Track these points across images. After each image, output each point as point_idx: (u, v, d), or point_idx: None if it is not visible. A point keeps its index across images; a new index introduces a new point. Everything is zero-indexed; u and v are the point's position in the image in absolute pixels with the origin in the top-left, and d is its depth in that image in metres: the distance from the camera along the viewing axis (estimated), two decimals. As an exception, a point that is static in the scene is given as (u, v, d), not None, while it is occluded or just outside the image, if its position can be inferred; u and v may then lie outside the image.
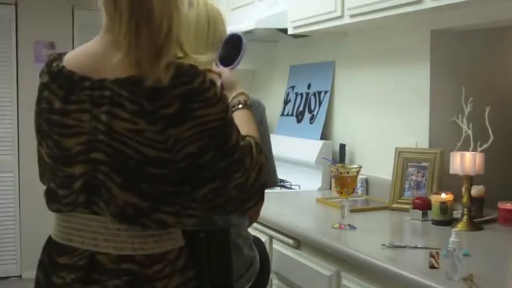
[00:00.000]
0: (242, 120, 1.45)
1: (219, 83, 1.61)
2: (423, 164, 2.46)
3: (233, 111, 1.49)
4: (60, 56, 1.29)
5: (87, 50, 1.28)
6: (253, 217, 1.92)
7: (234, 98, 1.57)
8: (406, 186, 2.50)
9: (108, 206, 1.18)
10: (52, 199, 1.27)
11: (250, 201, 1.31)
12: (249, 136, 1.35)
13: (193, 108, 1.15)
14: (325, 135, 3.18)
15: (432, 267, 1.57)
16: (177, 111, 1.14)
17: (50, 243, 1.30)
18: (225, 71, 1.67)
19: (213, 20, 1.76)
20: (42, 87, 1.27)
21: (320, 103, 3.25)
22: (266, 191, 1.92)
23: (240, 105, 1.55)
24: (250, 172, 1.27)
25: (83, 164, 1.19)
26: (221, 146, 1.21)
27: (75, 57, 1.27)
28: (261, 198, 1.36)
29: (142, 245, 1.20)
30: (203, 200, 1.25)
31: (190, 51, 1.31)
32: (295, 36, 3.21)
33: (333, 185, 2.36)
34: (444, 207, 2.15)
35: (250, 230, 1.92)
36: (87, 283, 1.19)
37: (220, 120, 1.20)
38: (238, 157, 1.24)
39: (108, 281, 1.18)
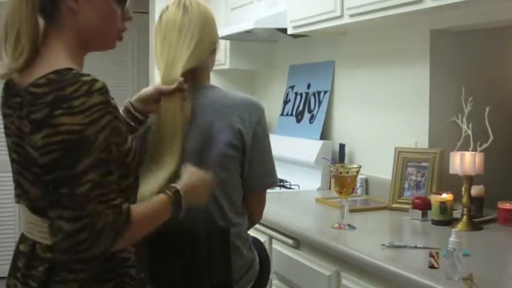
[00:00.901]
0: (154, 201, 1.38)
1: None
2: (423, 164, 2.46)
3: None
4: None
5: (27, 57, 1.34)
6: (255, 219, 1.92)
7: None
8: (406, 186, 2.50)
9: (25, 200, 1.31)
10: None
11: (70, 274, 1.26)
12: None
13: (56, 115, 1.14)
14: (324, 135, 3.18)
15: (432, 267, 1.57)
16: (43, 117, 1.15)
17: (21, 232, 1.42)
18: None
19: (208, 24, 1.77)
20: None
21: (320, 103, 3.25)
22: (267, 190, 1.93)
23: (168, 191, 1.41)
24: (81, 225, 1.16)
25: (13, 162, 1.33)
26: (63, 169, 1.16)
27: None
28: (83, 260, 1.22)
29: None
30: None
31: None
32: (294, 36, 3.21)
33: (333, 185, 2.36)
34: (444, 207, 2.15)
35: (249, 230, 1.92)
36: (29, 268, 1.30)
37: (77, 133, 1.15)
38: (80, 193, 1.15)
39: (39, 266, 1.28)
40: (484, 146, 2.15)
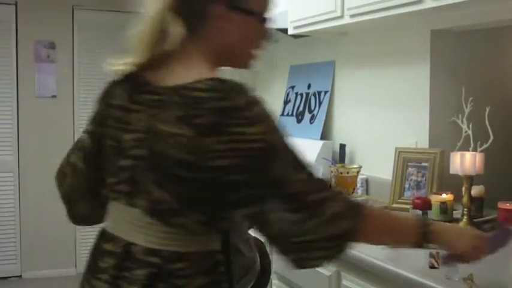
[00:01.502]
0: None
1: None
2: (423, 164, 2.46)
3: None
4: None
5: (152, 56, 1.34)
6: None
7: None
8: (406, 186, 2.50)
9: (144, 200, 1.25)
10: (107, 186, 1.36)
11: (319, 251, 1.21)
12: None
13: (230, 124, 1.16)
14: (325, 135, 3.18)
15: (432, 267, 1.57)
16: (211, 123, 1.16)
17: (101, 231, 1.38)
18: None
19: None
20: (114, 83, 1.37)
21: (320, 103, 3.25)
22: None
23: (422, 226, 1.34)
24: (313, 212, 1.18)
25: (130, 159, 1.27)
26: (261, 172, 1.17)
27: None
28: (335, 253, 1.22)
29: (169, 241, 1.24)
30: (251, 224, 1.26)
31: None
32: (295, 36, 3.21)
33: (333, 185, 2.36)
34: (444, 207, 2.15)
35: (249, 230, 1.91)
36: (120, 270, 1.26)
37: (261, 142, 1.17)
38: (287, 193, 1.18)
39: (136, 270, 1.24)
40: (484, 146, 2.15)
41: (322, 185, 1.23)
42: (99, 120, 1.40)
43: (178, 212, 1.23)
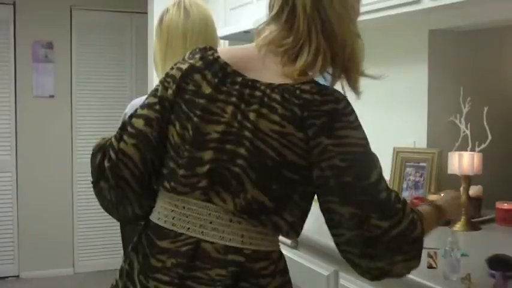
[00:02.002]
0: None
1: None
2: (421, 164, 2.46)
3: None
4: (212, 48, 1.33)
5: (242, 50, 1.34)
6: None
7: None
8: (404, 186, 2.50)
9: (235, 198, 1.20)
10: (169, 178, 1.26)
11: (401, 255, 1.21)
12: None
13: (338, 127, 1.19)
14: (323, 135, 3.18)
15: (430, 267, 1.57)
16: (322, 125, 1.18)
17: (149, 225, 1.29)
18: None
19: (210, 27, 1.78)
20: (192, 69, 1.28)
21: (318, 103, 3.24)
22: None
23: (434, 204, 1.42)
24: (398, 219, 1.19)
25: (213, 151, 1.21)
26: (360, 178, 1.19)
27: (229, 52, 1.33)
28: (415, 257, 1.24)
29: (251, 240, 1.21)
30: (340, 223, 1.22)
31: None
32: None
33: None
34: (442, 207, 2.15)
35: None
36: (189, 269, 1.19)
37: (362, 147, 1.21)
38: (381, 200, 1.19)
39: (211, 269, 1.19)
40: (483, 146, 2.15)
41: (398, 196, 1.25)
42: (168, 106, 1.29)
43: (273, 212, 1.21)
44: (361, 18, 2.37)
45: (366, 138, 1.23)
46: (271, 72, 1.24)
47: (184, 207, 1.23)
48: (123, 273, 1.31)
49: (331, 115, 1.19)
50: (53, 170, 4.85)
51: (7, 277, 4.82)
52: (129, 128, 1.31)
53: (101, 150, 1.35)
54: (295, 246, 2.18)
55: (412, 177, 2.48)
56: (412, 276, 1.53)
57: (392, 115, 2.72)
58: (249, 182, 1.19)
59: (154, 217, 1.29)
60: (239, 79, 1.24)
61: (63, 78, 4.94)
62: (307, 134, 1.17)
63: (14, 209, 4.82)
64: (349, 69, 1.37)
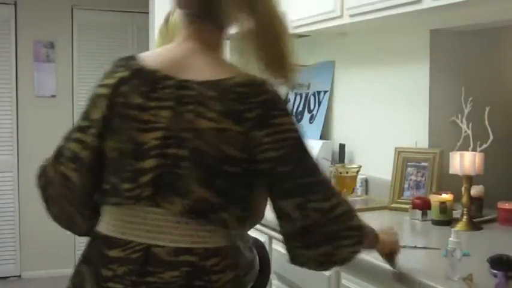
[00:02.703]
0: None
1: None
2: (423, 163, 2.46)
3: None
4: (133, 57, 1.34)
5: (168, 52, 1.35)
6: (257, 219, 1.92)
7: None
8: (406, 186, 2.49)
9: (183, 199, 1.21)
10: (112, 194, 1.28)
11: (345, 240, 1.26)
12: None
13: (272, 116, 1.23)
14: (324, 135, 3.18)
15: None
16: (258, 117, 1.21)
17: (98, 237, 1.31)
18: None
19: None
20: (121, 82, 1.29)
21: (319, 103, 3.24)
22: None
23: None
24: (337, 201, 1.25)
25: (156, 159, 1.22)
26: (301, 162, 1.24)
27: (155, 57, 1.34)
28: (359, 242, 1.30)
29: (201, 239, 1.24)
30: (282, 216, 1.24)
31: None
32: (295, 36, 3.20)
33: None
34: (444, 207, 2.15)
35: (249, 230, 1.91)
36: (141, 275, 1.20)
37: (296, 131, 1.26)
38: (320, 180, 1.25)
39: (164, 272, 1.20)
40: (484, 146, 2.15)
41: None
42: (102, 126, 1.30)
43: (220, 208, 1.23)
44: (363, 18, 2.39)
45: (296, 123, 1.28)
46: (204, 70, 1.26)
47: (131, 215, 1.25)
48: (75, 286, 1.32)
49: (265, 105, 1.22)
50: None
51: (8, 277, 4.83)
52: (66, 152, 1.35)
53: (43, 174, 1.42)
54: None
55: (413, 177, 2.48)
56: (413, 276, 1.54)
57: (393, 115, 2.72)
58: (194, 182, 1.21)
59: (102, 228, 1.30)
60: (171, 82, 1.25)
61: (64, 77, 4.95)
62: (244, 127, 1.20)
63: (16, 208, 4.83)
64: (279, 60, 1.35)
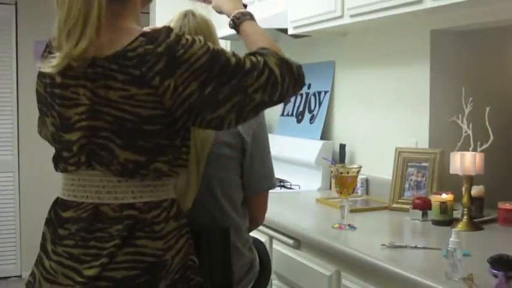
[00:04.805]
0: (254, 33, 1.56)
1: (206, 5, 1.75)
2: (423, 164, 2.46)
3: (240, 23, 1.59)
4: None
5: None
6: (258, 221, 1.92)
7: (236, 11, 1.62)
8: (406, 186, 2.50)
9: (110, 166, 1.34)
10: (59, 161, 1.43)
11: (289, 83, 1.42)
12: (262, 49, 1.45)
13: (179, 55, 1.31)
14: (325, 135, 3.18)
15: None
16: (166, 63, 1.30)
17: (56, 201, 1.45)
18: None
19: (213, 28, 1.81)
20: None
21: (320, 103, 3.25)
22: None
23: (248, 16, 1.60)
24: (271, 68, 1.39)
25: (79, 131, 1.35)
26: (224, 71, 1.34)
27: None
28: (299, 82, 1.46)
29: (141, 194, 1.36)
30: (228, 112, 1.36)
31: None
32: (295, 36, 3.21)
33: (333, 185, 2.36)
34: (444, 207, 2.15)
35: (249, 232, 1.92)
36: (91, 232, 1.34)
37: (206, 53, 1.34)
38: (248, 69, 1.36)
39: (111, 227, 1.33)
40: (484, 146, 2.15)
41: (251, 55, 1.44)
42: (41, 102, 1.51)
43: (149, 162, 1.35)
44: (363, 18, 2.40)
45: (205, 43, 1.36)
46: (110, 44, 1.34)
47: (79, 179, 1.38)
48: (40, 247, 1.47)
49: (169, 50, 1.31)
50: (55, 170, 4.84)
51: (9, 277, 4.83)
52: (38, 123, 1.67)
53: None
54: (297, 246, 2.19)
55: (414, 178, 2.48)
56: (414, 276, 1.54)
57: (394, 115, 2.72)
58: (117, 148, 1.33)
59: (60, 193, 1.45)
60: (80, 62, 1.34)
61: (65, 78, 4.95)
62: (151, 86, 1.30)
63: (16, 208, 4.83)
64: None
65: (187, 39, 1.34)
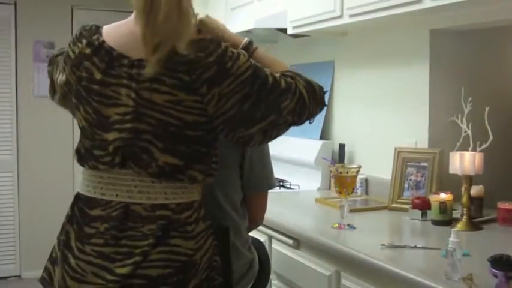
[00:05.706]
0: (269, 58, 1.59)
1: None
2: (423, 163, 2.46)
3: (254, 50, 1.56)
4: (97, 30, 1.44)
5: (124, 29, 1.42)
6: (257, 222, 1.92)
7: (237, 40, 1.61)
8: (406, 186, 2.49)
9: (148, 168, 1.35)
10: (88, 157, 1.42)
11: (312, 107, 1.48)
12: (287, 71, 1.51)
13: (228, 67, 1.35)
14: (324, 135, 3.18)
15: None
16: (216, 73, 1.33)
17: (79, 198, 1.44)
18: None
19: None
20: (83, 57, 1.41)
21: (319, 103, 3.24)
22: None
23: (255, 45, 1.59)
24: (301, 91, 1.45)
25: (116, 132, 1.35)
26: (263, 86, 1.39)
27: (113, 33, 1.42)
28: (322, 104, 1.52)
29: (174, 195, 1.38)
30: (260, 130, 1.42)
31: None
32: (294, 36, 3.21)
33: (333, 185, 2.36)
34: (444, 207, 2.15)
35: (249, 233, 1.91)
36: (122, 230, 1.35)
37: (250, 68, 1.38)
38: (284, 88, 1.42)
39: (143, 226, 1.35)
40: (484, 146, 2.15)
41: (284, 75, 1.50)
42: (67, 90, 1.48)
43: (186, 168, 1.37)
44: (363, 17, 2.40)
45: (248, 58, 1.40)
46: (137, 43, 1.34)
47: (109, 178, 1.39)
48: (61, 243, 1.44)
49: (220, 60, 1.34)
50: (54, 170, 4.84)
51: (8, 277, 4.83)
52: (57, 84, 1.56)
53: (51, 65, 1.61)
54: (296, 246, 2.19)
55: (413, 177, 2.48)
56: (413, 276, 1.54)
57: (393, 115, 2.72)
58: (157, 151, 1.34)
59: (83, 190, 1.44)
60: (125, 61, 1.35)
61: (64, 78, 4.94)
62: (199, 94, 1.32)
63: (15, 208, 4.82)
64: None
65: (233, 52, 1.38)
